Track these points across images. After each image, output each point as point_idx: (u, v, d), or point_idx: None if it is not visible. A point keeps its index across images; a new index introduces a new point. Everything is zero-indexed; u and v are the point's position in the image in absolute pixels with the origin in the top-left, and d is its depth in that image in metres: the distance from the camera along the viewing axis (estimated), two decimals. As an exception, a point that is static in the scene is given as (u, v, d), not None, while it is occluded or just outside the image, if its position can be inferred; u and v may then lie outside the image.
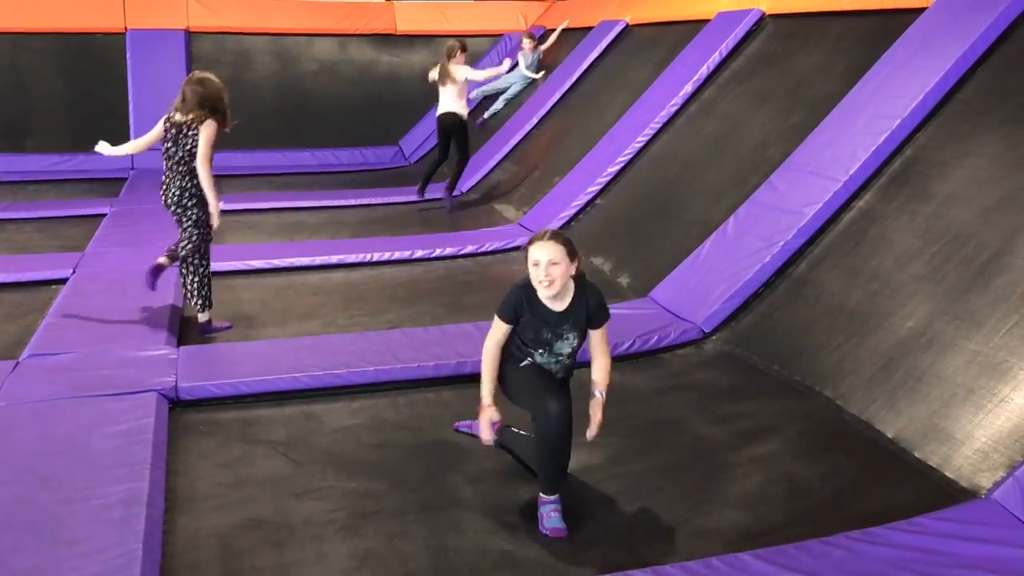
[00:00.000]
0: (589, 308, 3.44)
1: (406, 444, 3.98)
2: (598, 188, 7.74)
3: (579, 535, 3.22)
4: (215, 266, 6.51)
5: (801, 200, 5.31)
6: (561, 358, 3.46)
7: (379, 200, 9.38)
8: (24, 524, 3.05)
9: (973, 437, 3.60)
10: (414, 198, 9.59)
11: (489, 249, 7.37)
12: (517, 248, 7.46)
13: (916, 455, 3.70)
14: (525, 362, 3.46)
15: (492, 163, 10.14)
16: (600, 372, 3.49)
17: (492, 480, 3.66)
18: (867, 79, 5.71)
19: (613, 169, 7.75)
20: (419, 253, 7.07)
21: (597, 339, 3.49)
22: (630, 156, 7.76)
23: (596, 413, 3.40)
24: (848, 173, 5.18)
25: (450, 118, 8.86)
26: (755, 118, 6.80)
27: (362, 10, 12.81)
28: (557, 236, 3.41)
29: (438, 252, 7.15)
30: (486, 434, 3.41)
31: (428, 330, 5.14)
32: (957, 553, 2.93)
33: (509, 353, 3.48)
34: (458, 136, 8.94)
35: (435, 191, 9.41)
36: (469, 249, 7.29)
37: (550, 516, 3.26)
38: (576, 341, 3.46)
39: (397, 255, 7.02)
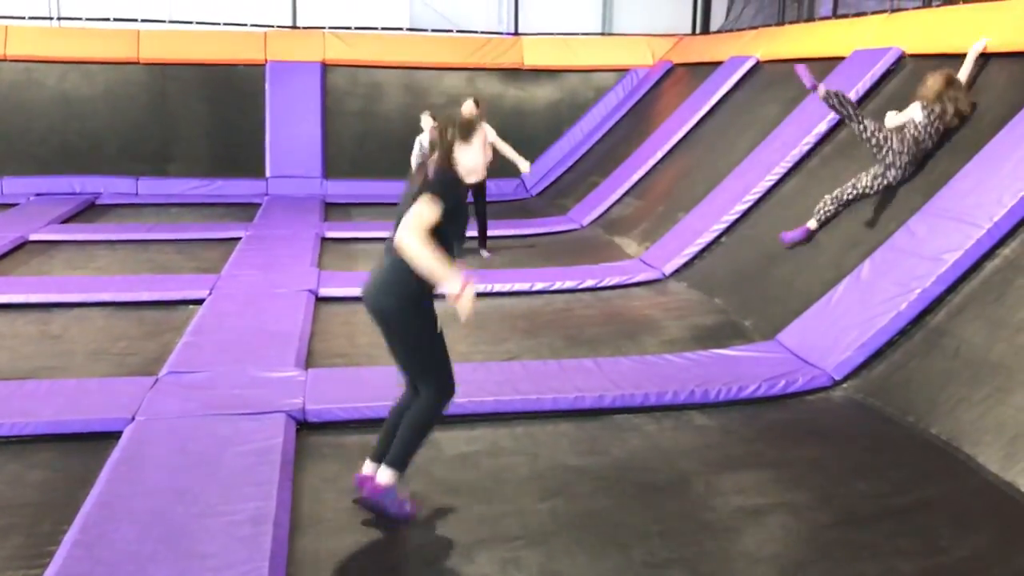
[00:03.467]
0: None
1: (522, 473, 4.00)
2: (724, 227, 7.62)
3: (700, 584, 3.14)
4: (343, 291, 6.70)
5: (941, 246, 5.09)
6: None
7: (501, 232, 9.49)
8: (161, 535, 3.18)
9: None
10: (535, 230, 9.66)
11: (609, 284, 7.34)
12: (638, 284, 7.41)
13: (1065, 521, 3.47)
14: (439, 325, 3.41)
15: (614, 197, 10.12)
16: None
17: (607, 508, 3.65)
18: (1015, 123, 5.44)
19: (740, 208, 7.62)
20: (539, 285, 7.10)
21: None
22: (758, 196, 7.61)
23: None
24: (992, 220, 4.93)
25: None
26: (892, 159, 6.56)
27: (491, 45, 13.06)
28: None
29: (558, 285, 7.16)
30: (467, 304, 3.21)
31: (547, 363, 5.14)
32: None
33: (419, 302, 3.33)
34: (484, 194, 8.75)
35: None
36: (589, 283, 7.28)
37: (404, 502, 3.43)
38: None
39: (517, 287, 7.06)
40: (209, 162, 12.12)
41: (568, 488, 3.84)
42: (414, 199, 3.27)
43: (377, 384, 4.73)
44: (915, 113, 5.87)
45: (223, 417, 4.25)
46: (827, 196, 6.24)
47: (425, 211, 3.22)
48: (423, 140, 9.80)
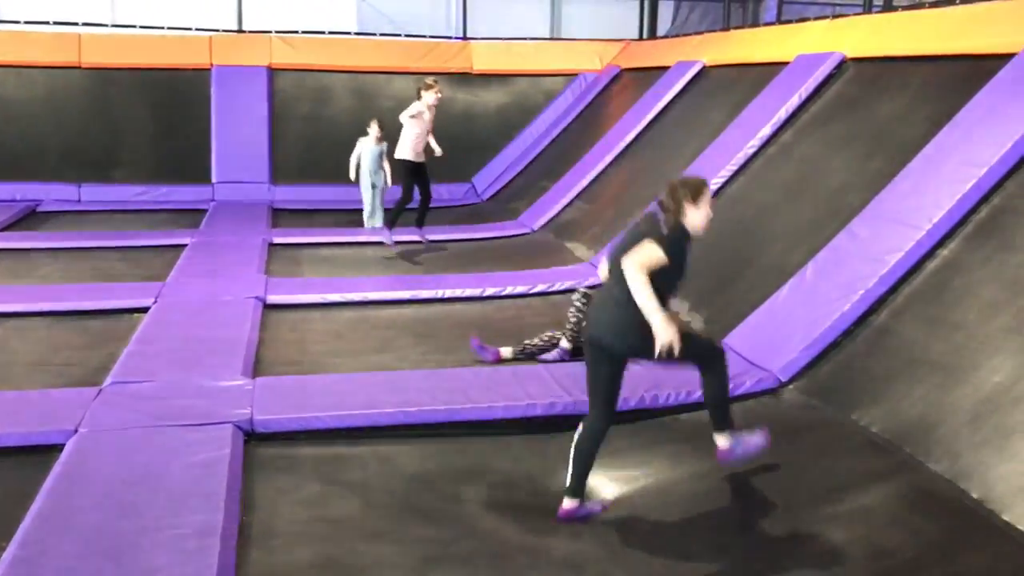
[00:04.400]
0: None
1: (477, 492, 3.98)
2: (671, 230, 7.67)
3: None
4: (292, 298, 6.65)
5: (883, 248, 5.20)
6: None
7: (452, 236, 9.48)
8: (104, 550, 3.12)
9: (1066, 501, 3.44)
10: (485, 235, 9.67)
11: (560, 288, 7.36)
12: (590, 288, 7.42)
13: (1004, 518, 3.54)
14: None
15: (565, 201, 10.16)
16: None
17: (563, 529, 3.64)
18: (952, 126, 5.58)
19: (687, 211, 7.68)
20: (490, 291, 7.11)
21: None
22: (705, 198, 7.69)
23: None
24: (932, 221, 5.05)
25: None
26: (834, 163, 6.69)
27: (440, 49, 13.04)
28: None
29: (509, 290, 7.17)
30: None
31: (499, 370, 5.14)
32: (1050, 625, 2.80)
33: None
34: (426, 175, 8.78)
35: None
36: (540, 288, 7.30)
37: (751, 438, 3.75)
38: None
39: (468, 292, 7.06)
40: (154, 168, 11.92)
41: (522, 508, 3.84)
42: (639, 239, 3.55)
43: (328, 393, 4.69)
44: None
45: (169, 428, 4.19)
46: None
47: (652, 251, 3.50)
48: (365, 143, 9.97)
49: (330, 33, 13.05)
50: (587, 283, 7.19)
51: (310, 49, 12.67)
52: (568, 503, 3.69)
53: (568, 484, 3.70)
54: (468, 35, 13.71)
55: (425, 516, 3.73)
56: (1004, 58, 5.77)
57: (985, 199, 5.07)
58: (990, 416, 4.01)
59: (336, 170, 10.84)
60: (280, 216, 10.81)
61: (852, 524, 3.60)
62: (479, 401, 4.62)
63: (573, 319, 5.62)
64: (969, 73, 6.00)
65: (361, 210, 10.15)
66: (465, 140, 12.72)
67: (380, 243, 9.12)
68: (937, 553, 3.37)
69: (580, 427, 3.78)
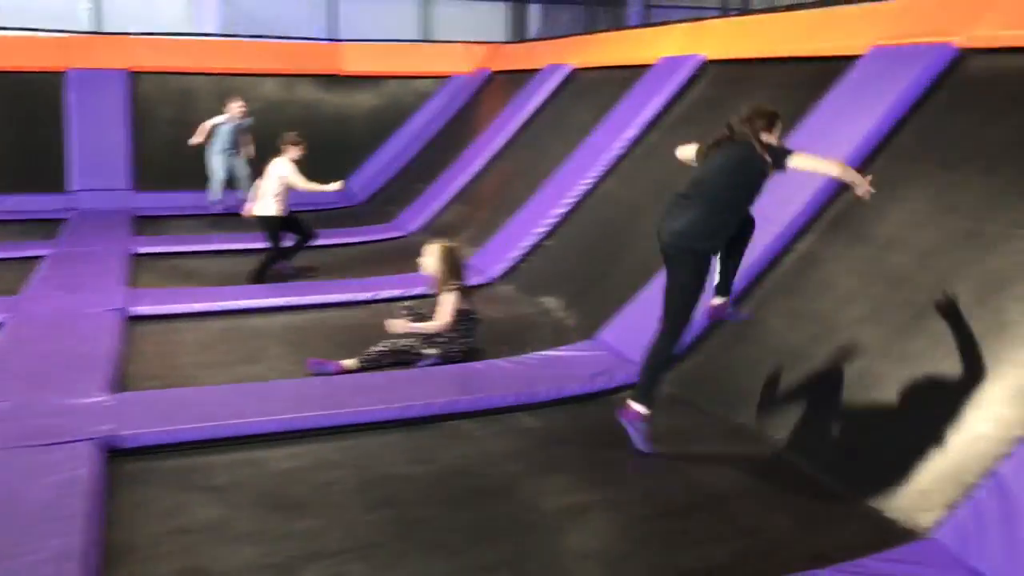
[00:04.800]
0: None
1: (349, 485, 3.95)
2: (546, 230, 7.79)
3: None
4: (156, 309, 6.42)
5: (744, 243, 5.39)
6: None
7: (326, 241, 9.32)
8: (-50, 584, 2.93)
9: (914, 477, 3.65)
10: (360, 239, 9.56)
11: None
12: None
13: (859, 496, 3.74)
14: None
15: (441, 203, 10.15)
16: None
17: (435, 516, 3.66)
18: (804, 125, 5.85)
19: (560, 211, 7.81)
20: (365, 296, 7.02)
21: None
22: (577, 198, 7.83)
23: None
24: (788, 217, 5.28)
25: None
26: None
27: (309, 51, 12.83)
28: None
29: (385, 294, 7.10)
30: None
31: (374, 375, 5.10)
32: (901, 595, 2.97)
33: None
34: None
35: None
36: (418, 291, 7.23)
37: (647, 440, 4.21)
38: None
39: (344, 297, 6.96)
40: (5, 177, 11.26)
41: (396, 497, 3.83)
42: (743, 161, 4.17)
43: (195, 405, 4.54)
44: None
45: (24, 450, 3.96)
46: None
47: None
48: (220, 122, 10.27)
49: (193, 35, 12.66)
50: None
51: (172, 51, 12.24)
52: (633, 406, 4.24)
53: (636, 389, 4.28)
54: (338, 36, 13.53)
55: (294, 511, 3.68)
56: (851, 59, 6.09)
57: (837, 195, 5.33)
58: (848, 403, 4.22)
59: (203, 175, 10.55)
60: (144, 224, 10.38)
61: (718, 507, 3.73)
62: (353, 406, 4.56)
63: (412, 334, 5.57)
64: (820, 73, 6.29)
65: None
66: (338, 143, 12.56)
67: (252, 250, 8.91)
68: (799, 532, 3.53)
69: (651, 340, 4.29)
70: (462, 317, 5.62)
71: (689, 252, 4.19)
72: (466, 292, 5.75)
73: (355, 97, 12.94)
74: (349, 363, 5.38)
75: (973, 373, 3.84)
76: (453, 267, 5.69)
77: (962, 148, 4.89)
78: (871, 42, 6.01)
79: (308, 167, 11.84)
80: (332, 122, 12.64)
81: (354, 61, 12.93)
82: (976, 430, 3.63)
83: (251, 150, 10.48)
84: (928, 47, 5.51)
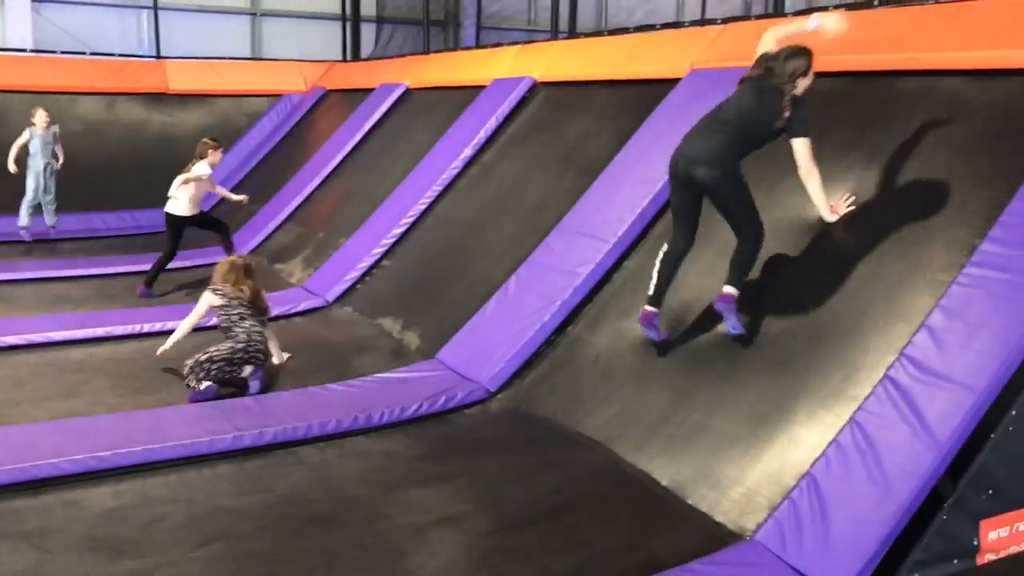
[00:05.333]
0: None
1: (176, 521, 3.77)
2: (384, 249, 7.73)
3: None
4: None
5: (575, 260, 5.53)
6: None
7: (151, 266, 8.91)
8: None
9: (738, 481, 3.83)
10: (190, 263, 9.19)
11: (271, 315, 7.11)
12: (302, 313, 7.28)
13: (689, 501, 3.89)
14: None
15: (275, 224, 9.90)
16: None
17: (270, 547, 3.55)
18: (631, 145, 6.08)
19: (398, 231, 7.77)
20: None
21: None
22: (414, 217, 7.82)
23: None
24: (617, 235, 5.45)
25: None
26: (532, 180, 7.05)
27: (131, 68, 12.27)
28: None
29: (215, 321, 6.82)
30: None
31: (203, 406, 4.90)
32: (726, 595, 3.10)
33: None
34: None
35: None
36: (250, 316, 7.02)
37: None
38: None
39: (171, 325, 6.63)
40: None
41: (227, 531, 3.68)
42: (773, 109, 4.23)
43: (5, 446, 4.22)
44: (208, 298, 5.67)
45: None
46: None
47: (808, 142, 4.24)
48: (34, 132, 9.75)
49: (2, 50, 11.88)
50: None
51: (-22, 67, 11.45)
52: (649, 309, 4.53)
53: (651, 294, 4.54)
54: (162, 53, 13.01)
55: (116, 552, 3.48)
56: (672, 82, 6.36)
57: (662, 212, 5.55)
58: (676, 412, 4.38)
59: (14, 199, 9.88)
60: (-52, 252, 9.63)
61: (556, 518, 3.80)
62: (181, 439, 4.36)
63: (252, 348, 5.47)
64: (644, 96, 6.55)
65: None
66: (163, 164, 11.98)
67: (71, 277, 8.42)
68: (633, 539, 3.63)
69: (665, 247, 4.54)
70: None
71: (699, 179, 4.28)
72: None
73: (182, 116, 12.46)
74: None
75: (790, 381, 4.07)
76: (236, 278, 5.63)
77: (778, 168, 5.18)
78: (689, 65, 6.31)
79: (131, 189, 11.33)
80: (157, 142, 12.11)
81: (180, 79, 12.46)
82: (793, 434, 3.85)
83: (60, 158, 9.95)
84: (742, 70, 5.81)
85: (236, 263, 5.74)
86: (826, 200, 4.39)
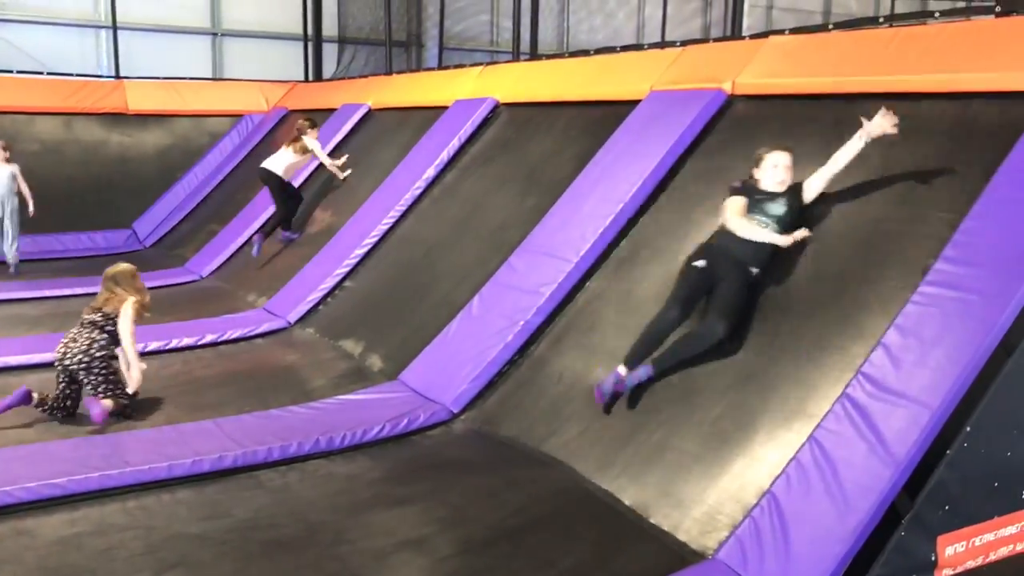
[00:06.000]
0: (793, 192, 4.57)
1: (134, 548, 3.71)
2: (346, 270, 7.69)
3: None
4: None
5: (538, 280, 5.55)
6: (772, 219, 4.48)
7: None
8: None
9: (700, 501, 3.85)
10: (148, 284, 9.03)
11: (231, 337, 7.06)
12: (263, 335, 7.21)
13: (652, 521, 3.90)
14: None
15: (235, 245, 9.82)
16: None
17: (230, 573, 3.49)
18: (592, 165, 6.12)
19: (360, 251, 7.74)
20: (153, 345, 6.64)
21: (816, 180, 4.58)
22: (377, 238, 7.80)
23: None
24: (579, 254, 5.48)
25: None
26: (495, 201, 7.07)
27: (90, 88, 12.15)
28: (788, 148, 4.57)
29: (174, 343, 6.75)
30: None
31: (161, 430, 4.83)
32: (689, 615, 3.10)
33: None
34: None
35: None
36: (209, 339, 6.95)
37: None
38: (785, 208, 4.50)
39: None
40: None
41: (187, 558, 3.63)
42: None
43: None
44: None
45: None
46: None
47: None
48: None
49: (-44, 69, 11.73)
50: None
51: (-69, 86, 11.28)
52: (621, 369, 4.46)
53: (628, 354, 4.49)
54: (121, 73, 12.89)
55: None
56: (632, 104, 6.43)
57: (623, 233, 5.59)
58: (638, 432, 4.40)
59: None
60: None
61: (519, 539, 3.79)
62: (139, 464, 4.30)
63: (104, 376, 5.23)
64: (605, 116, 6.61)
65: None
66: (123, 184, 11.96)
67: (28, 299, 8.29)
68: (595, 559, 3.63)
69: (657, 316, 4.48)
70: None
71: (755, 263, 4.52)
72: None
73: (142, 136, 12.35)
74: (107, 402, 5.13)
75: (751, 400, 4.11)
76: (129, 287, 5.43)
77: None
78: (649, 87, 6.38)
79: (90, 210, 11.19)
80: (116, 163, 12.00)
81: (140, 99, 12.35)
82: (754, 453, 3.88)
83: (29, 201, 9.74)
84: (701, 92, 5.91)
85: (107, 272, 5.48)
86: (856, 149, 4.46)
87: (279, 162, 9.12)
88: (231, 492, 4.29)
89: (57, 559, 3.59)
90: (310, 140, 9.17)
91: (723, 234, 4.54)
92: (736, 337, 4.37)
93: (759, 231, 4.42)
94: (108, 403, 5.11)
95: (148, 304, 5.57)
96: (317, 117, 11.11)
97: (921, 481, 3.36)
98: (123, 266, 5.55)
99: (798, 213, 4.55)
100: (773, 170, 4.55)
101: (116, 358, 5.42)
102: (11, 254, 9.72)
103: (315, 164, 9.72)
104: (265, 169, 9.14)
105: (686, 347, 4.39)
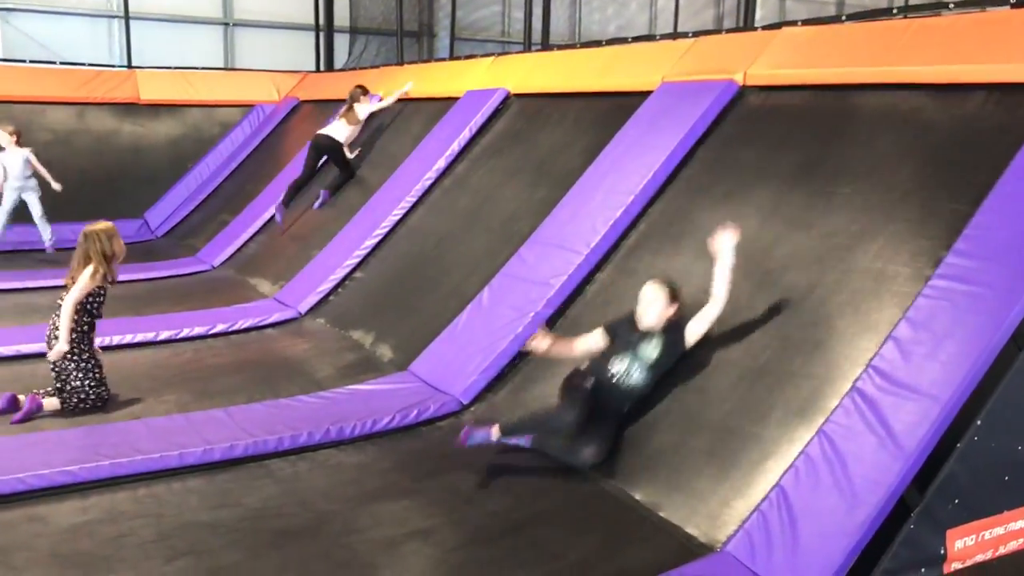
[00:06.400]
0: (672, 332, 4.26)
1: (145, 534, 3.74)
2: (356, 261, 7.70)
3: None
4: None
5: (548, 272, 5.55)
6: (644, 363, 4.23)
7: (122, 277, 8.80)
8: None
9: (710, 495, 3.85)
10: (160, 274, 9.12)
11: (243, 327, 7.09)
12: (274, 325, 7.24)
13: (661, 514, 3.90)
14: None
15: (247, 235, 9.83)
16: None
17: (241, 561, 3.53)
18: (602, 157, 6.10)
19: (371, 242, 7.75)
20: (164, 335, 6.67)
21: (698, 321, 4.30)
22: (387, 229, 7.80)
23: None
24: (589, 246, 5.47)
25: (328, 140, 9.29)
26: (505, 192, 7.06)
27: (102, 78, 12.18)
28: (666, 282, 4.29)
29: (185, 332, 6.78)
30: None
31: (173, 418, 4.86)
32: (697, 607, 3.11)
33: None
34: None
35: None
36: (220, 328, 6.98)
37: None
38: (659, 352, 4.23)
39: (140, 337, 6.59)
40: None
41: (197, 546, 3.65)
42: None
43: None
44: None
45: None
46: None
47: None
48: (6, 155, 9.57)
49: (-30, 58, 11.78)
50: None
51: (-55, 76, 11.33)
52: (495, 433, 4.27)
53: (511, 424, 4.32)
54: (133, 63, 12.93)
55: (84, 569, 3.44)
56: (644, 95, 6.41)
57: (633, 225, 5.58)
58: (647, 425, 4.39)
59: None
60: (-86, 263, 9.49)
61: (527, 531, 3.80)
62: (150, 452, 4.32)
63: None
64: (615, 108, 6.59)
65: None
66: (135, 174, 11.99)
67: (36, 289, 8.31)
68: (603, 552, 3.64)
69: (555, 412, 4.27)
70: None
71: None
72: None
73: (153, 126, 12.38)
74: (49, 403, 5.08)
75: (761, 393, 4.10)
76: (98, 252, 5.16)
77: (745, 180, 5.24)
78: (660, 78, 6.36)
79: (101, 199, 11.27)
80: (128, 152, 12.04)
81: (152, 89, 12.38)
82: (764, 446, 3.88)
83: (51, 180, 9.80)
84: (712, 84, 5.88)
85: (84, 230, 5.27)
86: (726, 274, 4.26)
87: (338, 131, 9.31)
88: (241, 481, 4.31)
89: (69, 546, 3.62)
90: (362, 107, 9.38)
91: (598, 366, 4.30)
92: (746, 333, 4.36)
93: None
94: (52, 402, 5.07)
95: (115, 271, 5.30)
96: (329, 107, 11.15)
97: (931, 475, 3.36)
98: (99, 224, 5.29)
99: (676, 356, 4.32)
100: (644, 305, 4.27)
101: (91, 338, 5.28)
102: (46, 236, 9.81)
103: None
104: (327, 135, 9.29)
105: (560, 452, 4.30)
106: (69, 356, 5.10)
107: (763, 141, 5.40)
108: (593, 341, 4.36)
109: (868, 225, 4.40)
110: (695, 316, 4.30)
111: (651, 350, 4.24)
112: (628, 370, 4.23)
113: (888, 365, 3.62)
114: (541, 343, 4.28)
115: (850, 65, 5.17)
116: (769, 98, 5.67)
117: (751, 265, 4.68)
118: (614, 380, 4.22)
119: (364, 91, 9.56)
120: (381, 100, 9.67)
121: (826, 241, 4.50)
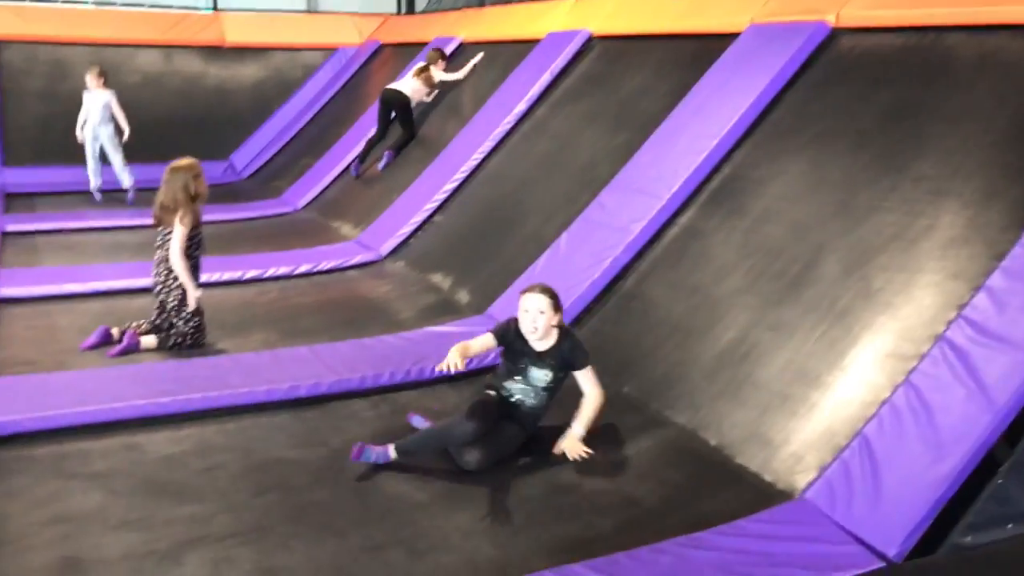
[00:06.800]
0: (564, 352, 4.06)
1: (235, 467, 3.88)
2: (435, 206, 7.76)
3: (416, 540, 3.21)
4: (29, 291, 6.15)
5: (628, 217, 5.50)
6: (537, 388, 4.07)
7: (208, 217, 9.04)
8: None
9: (788, 441, 3.81)
10: (245, 215, 9.33)
11: (326, 268, 7.24)
12: (355, 267, 7.36)
13: (737, 461, 3.89)
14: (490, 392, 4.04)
15: (329, 178, 9.98)
16: (582, 407, 4.10)
17: (324, 498, 3.63)
18: (687, 101, 5.98)
19: (450, 187, 7.79)
20: (251, 274, 6.86)
21: (580, 378, 4.12)
22: (466, 174, 7.82)
23: (562, 444, 4.01)
24: (671, 191, 5.40)
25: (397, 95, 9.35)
26: (585, 137, 7.00)
27: (189, 21, 12.39)
28: (546, 290, 4.06)
29: (272, 272, 6.96)
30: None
31: (260, 355, 5.00)
32: (773, 552, 3.10)
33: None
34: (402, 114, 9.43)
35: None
36: (304, 268, 7.14)
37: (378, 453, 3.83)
38: (551, 377, 4.07)
39: (227, 276, 6.79)
40: None
41: (284, 481, 3.77)
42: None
43: (70, 390, 4.37)
44: None
45: None
46: None
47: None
48: (90, 96, 9.78)
49: (64, 2, 12.06)
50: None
51: (42, 19, 11.64)
52: (392, 451, 3.87)
53: (407, 443, 3.91)
54: (219, 6, 13.10)
55: (177, 497, 3.60)
56: (730, 37, 6.24)
57: (717, 169, 5.48)
58: (724, 370, 4.36)
59: (76, 150, 10.06)
60: (15, 201, 9.90)
61: (606, 477, 3.82)
62: (238, 387, 4.47)
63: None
64: (701, 51, 6.44)
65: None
66: (220, 116, 12.22)
67: (126, 228, 8.57)
68: (680, 498, 3.65)
69: (451, 423, 3.89)
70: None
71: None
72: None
73: (238, 69, 12.57)
74: (148, 341, 5.26)
75: (843, 339, 4.02)
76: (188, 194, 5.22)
77: (834, 124, 5.08)
78: (749, 20, 6.18)
79: (187, 141, 11.50)
80: (214, 95, 12.27)
81: (237, 32, 12.54)
82: (845, 394, 3.81)
83: (124, 128, 9.97)
84: (803, 25, 5.69)
85: (169, 165, 5.36)
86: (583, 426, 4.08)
87: (407, 86, 9.37)
88: (324, 420, 4.41)
89: (164, 475, 3.78)
90: (437, 71, 9.51)
91: (499, 384, 4.14)
92: (827, 273, 4.28)
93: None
94: (149, 340, 5.26)
95: (199, 212, 5.36)
96: (410, 50, 11.17)
97: (1022, 429, 3.26)
98: (184, 161, 5.36)
99: (567, 374, 4.12)
100: (524, 315, 4.00)
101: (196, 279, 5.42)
102: (126, 180, 9.99)
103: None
104: (395, 90, 9.36)
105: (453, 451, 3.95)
106: (177, 304, 5.30)
107: (855, 85, 5.21)
108: (488, 343, 4.16)
109: (961, 170, 4.23)
110: (584, 375, 4.13)
111: (543, 375, 4.06)
112: (523, 399, 4.08)
113: (980, 315, 3.50)
114: (458, 362, 3.96)
115: (954, 5, 4.93)
116: (863, 40, 5.46)
117: (837, 206, 4.57)
118: (512, 400, 4.09)
119: (442, 55, 9.69)
120: (460, 46, 9.64)
121: (917, 185, 4.35)
